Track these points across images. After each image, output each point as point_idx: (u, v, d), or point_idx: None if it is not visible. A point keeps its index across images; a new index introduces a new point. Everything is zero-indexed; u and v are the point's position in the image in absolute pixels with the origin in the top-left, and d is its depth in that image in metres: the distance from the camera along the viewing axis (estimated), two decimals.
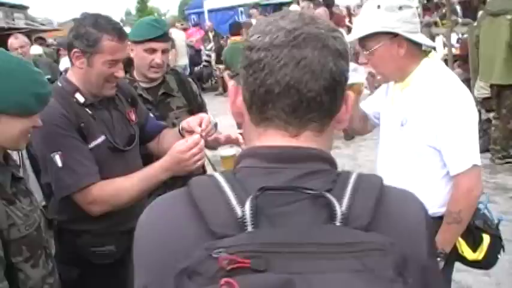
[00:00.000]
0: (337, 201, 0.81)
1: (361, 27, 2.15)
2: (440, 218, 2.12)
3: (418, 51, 2.16)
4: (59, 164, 2.01)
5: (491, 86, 6.17)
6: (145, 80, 2.83)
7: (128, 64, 2.85)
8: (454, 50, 9.14)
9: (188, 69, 12.32)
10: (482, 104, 6.74)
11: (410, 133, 2.12)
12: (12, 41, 6.03)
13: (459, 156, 2.05)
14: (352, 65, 2.30)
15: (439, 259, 2.11)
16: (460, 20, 9.66)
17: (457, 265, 2.35)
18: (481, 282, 3.83)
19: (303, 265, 0.74)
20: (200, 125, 2.14)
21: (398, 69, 2.16)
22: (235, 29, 8.37)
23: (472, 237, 2.18)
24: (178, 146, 2.04)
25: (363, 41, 2.15)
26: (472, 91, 6.88)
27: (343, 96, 0.93)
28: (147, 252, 0.90)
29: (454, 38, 9.72)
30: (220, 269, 0.73)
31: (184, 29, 16.90)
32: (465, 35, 7.94)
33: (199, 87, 11.07)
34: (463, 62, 8.31)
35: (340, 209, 0.80)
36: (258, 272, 0.73)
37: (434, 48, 2.18)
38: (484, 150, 6.52)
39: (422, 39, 2.15)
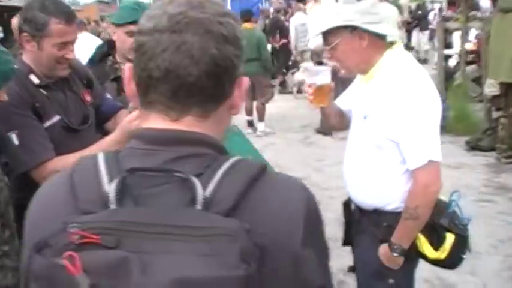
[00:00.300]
0: (204, 186, 0.81)
1: (321, 22, 2.12)
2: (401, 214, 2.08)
3: (382, 42, 2.11)
4: (16, 142, 2.09)
5: (500, 83, 6.05)
6: (127, 62, 2.83)
7: (111, 47, 2.90)
8: (471, 46, 9.00)
9: None
10: (492, 102, 6.62)
11: (371, 126, 2.08)
12: (14, 21, 6.02)
13: (416, 151, 2.00)
14: (314, 69, 2.29)
15: (396, 254, 2.09)
16: (479, 14, 9.45)
17: None
18: (467, 282, 3.77)
19: (152, 245, 0.75)
20: None
21: (362, 62, 2.12)
22: (245, 15, 8.31)
23: (436, 235, 2.13)
24: (127, 118, 2.11)
25: (325, 36, 2.12)
26: (483, 88, 6.77)
27: (233, 82, 0.93)
28: (29, 229, 0.94)
29: (474, 33, 9.57)
30: (70, 243, 0.75)
31: None
32: None
33: None
34: (478, 58, 8.18)
35: (202, 193, 0.80)
36: (107, 249, 0.75)
37: (384, 37, 2.12)
38: (490, 148, 6.43)
39: (384, 29, 2.10)
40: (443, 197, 2.29)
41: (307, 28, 9.75)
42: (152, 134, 0.90)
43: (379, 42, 2.10)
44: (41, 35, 2.12)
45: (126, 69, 0.97)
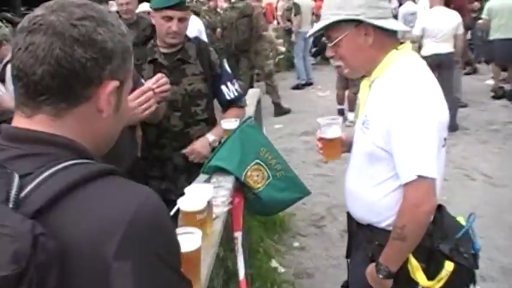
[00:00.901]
0: (24, 185, 0.85)
1: (323, 18, 1.97)
2: None
3: (389, 40, 1.93)
4: None
5: None
6: (165, 46, 2.93)
7: (153, 30, 3.00)
8: None
9: (311, 38, 12.18)
10: None
11: (367, 133, 1.92)
12: None
13: (406, 164, 1.81)
14: (325, 122, 2.19)
15: (381, 276, 1.93)
16: None
17: None
18: None
19: None
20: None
21: (367, 61, 1.94)
22: None
23: (434, 262, 1.92)
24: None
25: (327, 32, 1.96)
26: None
27: (89, 85, 0.95)
28: None
29: None
30: None
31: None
32: None
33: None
34: None
35: (15, 193, 0.83)
36: None
37: (392, 34, 1.94)
38: None
39: (392, 24, 1.91)
40: (461, 218, 2.07)
41: (416, 17, 9.26)
42: (7, 131, 0.96)
43: (386, 40, 1.93)
44: None
45: None
